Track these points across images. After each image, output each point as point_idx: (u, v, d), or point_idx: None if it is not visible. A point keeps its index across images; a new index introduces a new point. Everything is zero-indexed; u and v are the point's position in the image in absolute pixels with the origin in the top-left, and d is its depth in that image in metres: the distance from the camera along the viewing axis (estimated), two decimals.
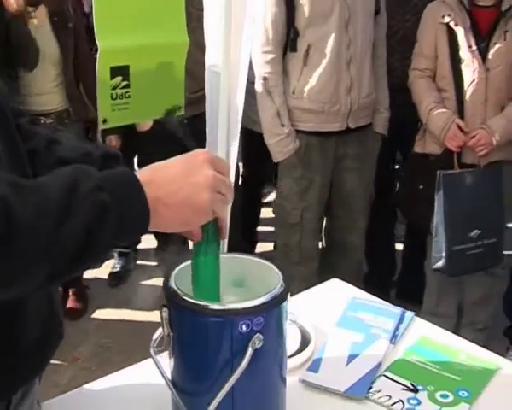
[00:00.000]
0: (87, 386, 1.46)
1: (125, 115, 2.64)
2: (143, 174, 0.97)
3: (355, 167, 3.28)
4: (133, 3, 2.62)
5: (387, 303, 1.78)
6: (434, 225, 3.07)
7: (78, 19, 3.56)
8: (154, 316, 1.17)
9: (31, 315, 1.01)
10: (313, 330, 1.58)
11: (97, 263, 0.96)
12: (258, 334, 1.11)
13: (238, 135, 2.93)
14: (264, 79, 3.11)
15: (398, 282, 3.87)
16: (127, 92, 2.62)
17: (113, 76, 2.56)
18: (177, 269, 1.21)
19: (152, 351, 1.20)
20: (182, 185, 1.00)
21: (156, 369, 1.19)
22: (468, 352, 1.56)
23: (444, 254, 3.05)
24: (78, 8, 3.59)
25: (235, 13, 2.73)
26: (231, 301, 1.18)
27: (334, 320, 1.66)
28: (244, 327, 1.11)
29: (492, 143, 3.04)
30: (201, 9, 3.08)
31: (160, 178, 0.99)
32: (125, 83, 2.61)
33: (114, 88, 2.58)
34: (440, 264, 3.08)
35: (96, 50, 2.52)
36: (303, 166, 3.18)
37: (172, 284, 1.16)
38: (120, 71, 2.59)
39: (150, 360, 1.24)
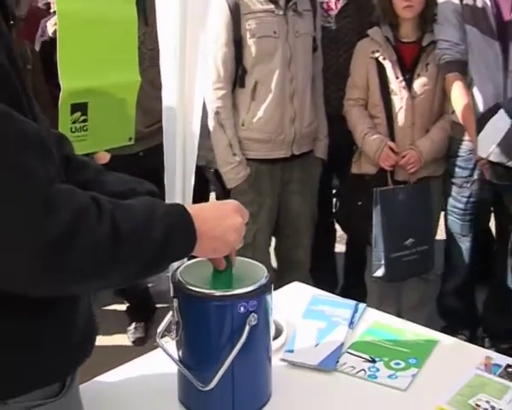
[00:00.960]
0: (98, 378, 1.70)
1: (82, 146, 2.75)
2: (193, 210, 1.26)
3: (300, 190, 3.52)
4: (92, 48, 2.78)
5: (343, 298, 2.10)
6: (373, 237, 3.34)
7: (36, 60, 3.73)
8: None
9: (81, 309, 1.28)
10: (284, 322, 1.87)
11: (157, 274, 1.25)
12: (253, 313, 1.41)
13: (195, 162, 3.19)
14: (217, 113, 3.32)
15: (342, 294, 4.13)
16: (85, 126, 2.77)
17: (73, 112, 2.71)
18: (181, 267, 1.50)
19: (158, 340, 1.49)
20: (219, 224, 1.31)
21: (160, 360, 1.49)
22: (413, 330, 1.89)
23: (383, 261, 3.32)
24: (34, 50, 3.78)
25: (189, 53, 3.01)
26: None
27: (300, 313, 1.95)
28: (242, 309, 1.40)
29: (421, 161, 3.33)
30: (153, 49, 3.33)
31: (204, 215, 1.29)
32: (83, 118, 2.75)
33: (74, 122, 2.72)
34: (380, 271, 3.35)
35: (59, 89, 2.72)
36: (254, 191, 3.39)
37: (180, 277, 1.45)
38: (80, 107, 2.73)
39: (154, 351, 1.53)
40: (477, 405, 1.52)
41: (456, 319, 3.56)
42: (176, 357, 1.48)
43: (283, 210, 3.56)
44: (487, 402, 1.53)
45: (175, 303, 1.44)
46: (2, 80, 1.06)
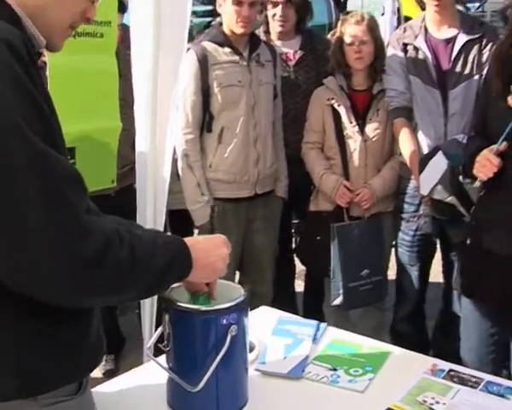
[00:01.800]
0: (93, 390, 1.93)
1: None
2: (189, 242, 1.53)
3: (263, 228, 3.76)
4: (79, 96, 3.07)
5: (305, 319, 2.36)
6: (331, 269, 3.60)
7: None
8: None
9: (94, 320, 1.52)
10: (256, 339, 2.12)
11: (158, 294, 1.54)
12: (233, 325, 1.67)
13: (165, 202, 3.42)
14: (186, 155, 3.56)
15: None
16: None
17: None
18: (170, 288, 1.75)
19: (148, 352, 1.74)
20: (210, 254, 1.61)
21: (151, 373, 1.75)
22: (368, 344, 2.17)
23: (341, 291, 3.58)
24: None
25: (160, 101, 3.25)
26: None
27: (269, 332, 2.22)
28: (224, 321, 1.66)
29: (373, 198, 3.60)
30: (123, 100, 3.52)
31: (198, 247, 1.57)
32: (72, 161, 2.96)
33: None
34: (338, 300, 3.60)
35: None
36: (220, 228, 3.59)
37: (171, 296, 1.70)
38: (69, 151, 3.03)
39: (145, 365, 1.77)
40: (424, 401, 1.81)
41: (409, 345, 3.78)
42: (165, 366, 1.73)
43: (247, 246, 3.80)
44: (433, 398, 1.82)
45: (166, 318, 1.69)
46: (44, 122, 1.30)
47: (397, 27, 5.57)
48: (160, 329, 1.73)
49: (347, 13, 3.94)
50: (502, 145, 2.49)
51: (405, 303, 3.80)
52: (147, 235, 1.48)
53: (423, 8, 3.63)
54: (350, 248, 3.60)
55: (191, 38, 3.87)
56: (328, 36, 5.78)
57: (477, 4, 12.21)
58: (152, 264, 1.42)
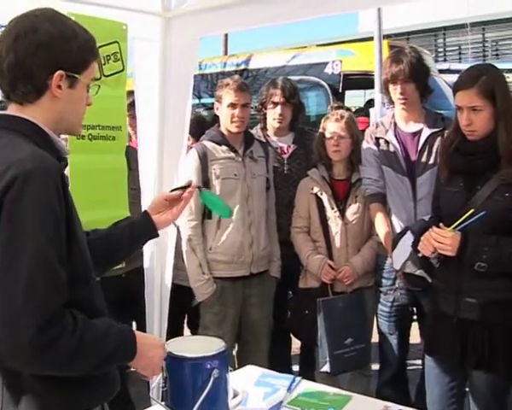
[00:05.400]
0: None
1: None
2: (137, 335, 1.96)
3: (258, 303, 4.17)
4: (93, 189, 3.55)
5: (286, 374, 2.81)
6: (319, 338, 3.97)
7: None
8: None
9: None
10: (240, 388, 2.55)
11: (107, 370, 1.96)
12: (215, 369, 2.13)
13: (170, 282, 3.90)
14: (189, 239, 4.02)
15: None
16: None
17: None
18: (168, 342, 2.22)
19: (151, 394, 2.21)
20: (151, 349, 2.02)
21: None
22: (334, 391, 2.61)
23: (328, 358, 3.95)
24: None
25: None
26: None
27: (252, 383, 2.67)
28: (208, 365, 2.13)
29: (355, 275, 4.02)
30: (135, 189, 4.02)
31: (143, 341, 1.98)
32: None
33: None
34: (326, 367, 3.96)
35: None
36: (219, 303, 4.03)
37: (168, 348, 2.17)
38: None
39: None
40: None
41: None
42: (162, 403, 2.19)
43: (244, 319, 4.21)
44: None
45: (164, 364, 2.16)
46: (55, 224, 1.78)
47: None
48: (160, 374, 2.20)
49: (337, 107, 4.44)
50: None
51: (387, 369, 4.15)
52: (102, 325, 1.87)
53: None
54: (334, 319, 3.97)
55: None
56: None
57: None
58: (100, 349, 1.83)
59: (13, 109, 1.92)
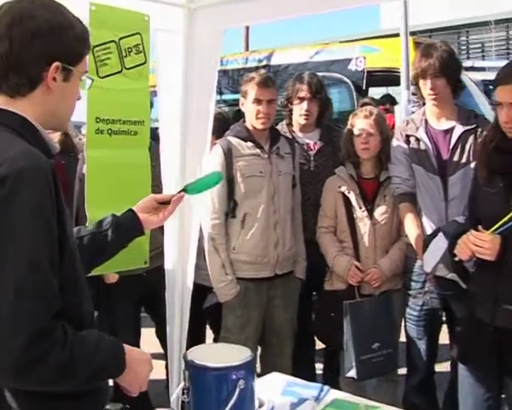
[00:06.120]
0: None
1: (103, 267, 3.29)
2: (127, 349, 1.85)
3: (282, 305, 4.05)
4: (113, 187, 3.40)
5: (312, 382, 2.68)
6: (345, 342, 3.85)
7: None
8: None
9: None
10: (266, 398, 2.43)
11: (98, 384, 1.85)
12: (241, 380, 2.00)
13: (192, 281, 3.77)
14: (212, 239, 3.89)
15: None
16: None
17: None
18: (189, 350, 2.10)
19: (173, 405, 2.08)
20: (140, 364, 1.90)
21: None
22: (365, 403, 2.48)
23: (354, 363, 3.82)
24: None
25: None
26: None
27: (278, 393, 2.54)
28: (234, 376, 2.00)
29: (382, 277, 3.89)
30: (157, 186, 3.80)
31: (132, 355, 1.87)
32: None
33: None
34: (352, 372, 3.84)
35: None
36: (242, 305, 3.91)
37: (190, 357, 2.05)
38: None
39: None
40: None
41: None
42: None
43: (268, 322, 4.09)
44: None
45: (186, 374, 2.03)
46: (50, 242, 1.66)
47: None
48: (181, 384, 2.07)
49: (366, 103, 4.32)
50: None
51: (415, 375, 4.01)
52: (93, 338, 1.77)
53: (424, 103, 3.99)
54: (361, 323, 3.85)
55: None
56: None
57: None
58: (91, 363, 1.72)
59: (2, 102, 1.79)
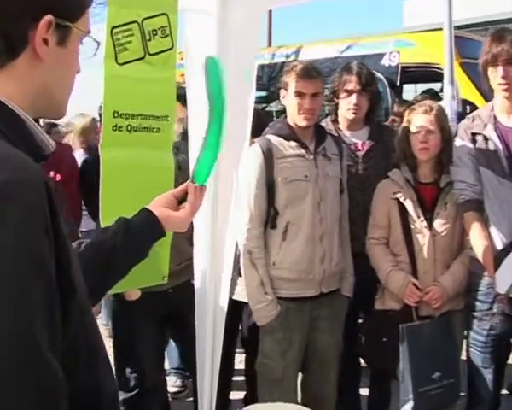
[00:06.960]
0: None
1: (121, 285, 2.92)
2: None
3: (327, 327, 3.57)
4: (131, 191, 2.91)
5: None
6: (401, 372, 3.39)
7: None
8: None
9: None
10: None
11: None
12: None
13: (227, 300, 3.27)
14: (249, 252, 3.41)
15: None
16: None
17: None
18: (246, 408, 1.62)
19: None
20: None
21: None
22: None
23: (411, 396, 3.35)
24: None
25: (221, 196, 3.14)
26: None
27: None
28: None
29: (444, 297, 3.42)
30: None
31: None
32: None
33: None
34: (409, 406, 3.38)
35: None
36: (283, 328, 3.43)
37: None
38: None
39: None
40: None
41: None
42: None
43: (311, 345, 3.61)
44: None
45: None
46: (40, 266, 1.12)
47: (458, 112, 5.47)
48: None
49: (406, 102, 3.84)
50: None
51: (479, 406, 3.54)
52: None
53: (483, 95, 3.52)
54: (420, 349, 3.40)
55: None
56: (386, 123, 5.77)
57: None
58: None
59: None
